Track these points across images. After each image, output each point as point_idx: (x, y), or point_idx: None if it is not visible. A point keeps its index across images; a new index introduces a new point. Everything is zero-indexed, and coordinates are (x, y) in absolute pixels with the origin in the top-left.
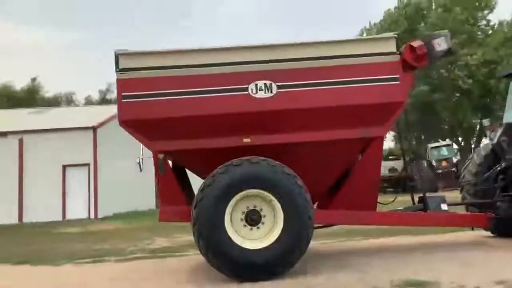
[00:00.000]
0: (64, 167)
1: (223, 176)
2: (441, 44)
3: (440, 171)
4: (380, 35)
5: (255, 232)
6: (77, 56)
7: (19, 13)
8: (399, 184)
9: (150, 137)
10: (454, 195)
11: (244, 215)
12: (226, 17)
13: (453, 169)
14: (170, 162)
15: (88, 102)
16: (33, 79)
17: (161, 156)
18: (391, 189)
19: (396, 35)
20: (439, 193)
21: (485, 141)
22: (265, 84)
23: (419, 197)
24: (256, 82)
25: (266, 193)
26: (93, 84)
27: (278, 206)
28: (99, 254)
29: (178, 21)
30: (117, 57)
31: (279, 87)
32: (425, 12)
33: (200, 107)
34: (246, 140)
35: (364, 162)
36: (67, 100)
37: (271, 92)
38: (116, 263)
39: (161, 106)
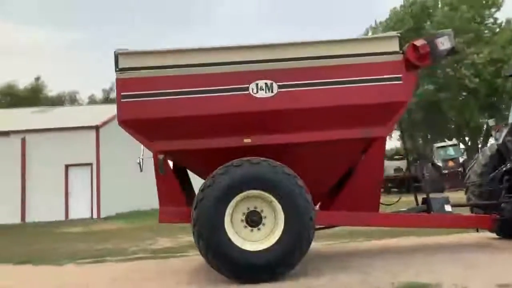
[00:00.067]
0: (67, 166)
1: (223, 176)
2: (444, 43)
3: (446, 171)
4: (382, 34)
5: (256, 233)
6: (77, 56)
7: (19, 13)
8: (404, 184)
9: (150, 137)
10: (459, 195)
11: (244, 216)
12: (226, 17)
13: (460, 169)
14: (170, 163)
15: (92, 101)
16: (37, 78)
17: (161, 156)
18: (395, 189)
19: (399, 34)
20: (443, 194)
21: (492, 140)
22: (266, 83)
23: (423, 198)
24: (257, 81)
25: (266, 194)
26: (97, 83)
27: (278, 207)
28: (101, 254)
29: (178, 21)
30: (116, 56)
31: (280, 86)
32: (431, 10)
33: (201, 107)
34: (247, 140)
35: (367, 162)
36: (71, 99)
37: (272, 92)
38: (118, 263)
39: (161, 106)
